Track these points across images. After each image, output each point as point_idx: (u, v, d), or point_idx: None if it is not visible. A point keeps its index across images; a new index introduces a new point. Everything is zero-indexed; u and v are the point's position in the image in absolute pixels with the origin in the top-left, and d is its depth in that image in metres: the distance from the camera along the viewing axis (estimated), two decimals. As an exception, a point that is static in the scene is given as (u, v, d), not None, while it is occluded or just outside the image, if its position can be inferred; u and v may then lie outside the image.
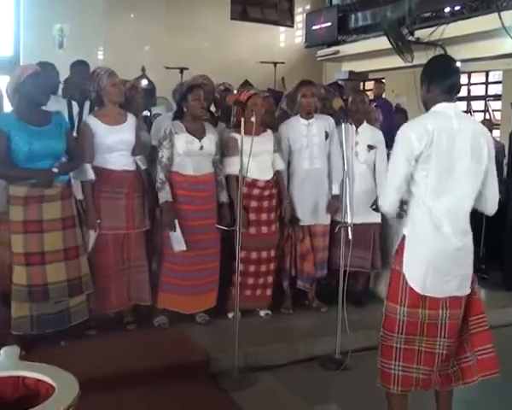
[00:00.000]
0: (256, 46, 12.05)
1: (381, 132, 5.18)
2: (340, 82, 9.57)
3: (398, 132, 2.87)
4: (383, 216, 4.80)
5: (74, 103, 4.90)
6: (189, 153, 4.28)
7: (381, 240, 5.17)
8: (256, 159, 4.17)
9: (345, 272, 4.15)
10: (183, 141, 4.27)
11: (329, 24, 10.67)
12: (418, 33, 8.54)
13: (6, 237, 3.87)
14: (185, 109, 4.32)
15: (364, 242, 4.89)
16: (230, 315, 4.54)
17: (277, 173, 4.71)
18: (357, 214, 4.28)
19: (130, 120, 4.29)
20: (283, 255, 4.94)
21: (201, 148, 4.30)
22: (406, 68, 8.74)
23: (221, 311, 4.66)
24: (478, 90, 11.25)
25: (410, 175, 2.85)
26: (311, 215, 4.88)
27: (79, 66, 5.29)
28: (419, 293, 2.87)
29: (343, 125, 4.20)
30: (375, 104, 8.31)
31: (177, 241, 4.27)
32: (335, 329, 4.18)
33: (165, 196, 4.23)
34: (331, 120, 4.90)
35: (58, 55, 9.37)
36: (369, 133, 5.01)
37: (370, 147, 4.99)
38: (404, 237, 2.97)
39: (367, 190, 4.88)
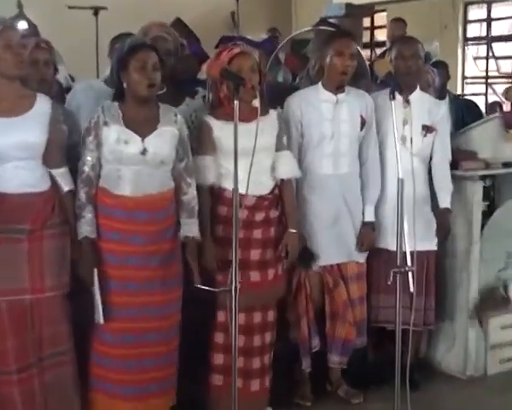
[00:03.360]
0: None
1: (442, 103, 4.52)
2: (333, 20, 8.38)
3: None
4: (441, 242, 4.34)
5: None
6: (123, 159, 3.61)
7: (437, 279, 4.42)
8: (245, 161, 3.52)
9: (404, 333, 3.66)
10: (114, 138, 3.59)
11: None
12: None
13: None
14: (125, 85, 3.64)
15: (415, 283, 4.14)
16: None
17: (282, 185, 3.98)
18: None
19: (41, 104, 3.57)
20: (298, 316, 4.19)
21: (144, 151, 3.60)
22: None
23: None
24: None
25: None
26: (338, 249, 4.18)
27: None
28: None
29: (393, 102, 3.54)
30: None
31: (96, 308, 3.68)
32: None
33: (84, 227, 3.63)
34: (369, 99, 4.24)
35: None
36: (424, 106, 4.31)
37: (427, 129, 4.28)
38: None
39: (419, 200, 4.03)
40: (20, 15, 7.00)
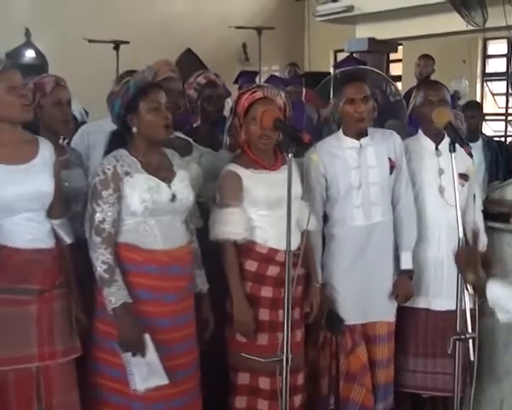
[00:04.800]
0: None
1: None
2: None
3: None
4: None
5: None
6: (155, 209, 3.36)
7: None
8: (273, 212, 3.59)
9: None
10: (145, 188, 3.33)
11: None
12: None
13: None
14: (135, 130, 3.35)
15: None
16: None
17: (306, 236, 3.64)
18: (439, 297, 3.91)
19: (45, 150, 3.33)
20: (317, 375, 3.96)
21: (173, 198, 3.40)
22: (463, 34, 7.88)
23: None
24: None
25: None
26: (367, 307, 3.95)
27: None
28: None
29: (453, 155, 3.40)
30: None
31: (151, 371, 3.37)
32: None
33: (120, 292, 3.31)
34: (397, 139, 3.98)
35: None
36: (456, 154, 3.93)
37: (464, 177, 4.01)
38: None
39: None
40: (28, 44, 6.84)
